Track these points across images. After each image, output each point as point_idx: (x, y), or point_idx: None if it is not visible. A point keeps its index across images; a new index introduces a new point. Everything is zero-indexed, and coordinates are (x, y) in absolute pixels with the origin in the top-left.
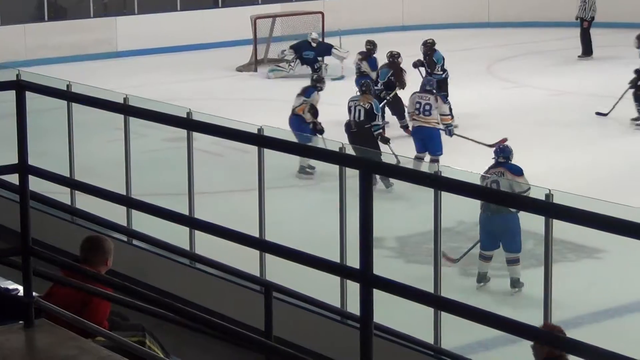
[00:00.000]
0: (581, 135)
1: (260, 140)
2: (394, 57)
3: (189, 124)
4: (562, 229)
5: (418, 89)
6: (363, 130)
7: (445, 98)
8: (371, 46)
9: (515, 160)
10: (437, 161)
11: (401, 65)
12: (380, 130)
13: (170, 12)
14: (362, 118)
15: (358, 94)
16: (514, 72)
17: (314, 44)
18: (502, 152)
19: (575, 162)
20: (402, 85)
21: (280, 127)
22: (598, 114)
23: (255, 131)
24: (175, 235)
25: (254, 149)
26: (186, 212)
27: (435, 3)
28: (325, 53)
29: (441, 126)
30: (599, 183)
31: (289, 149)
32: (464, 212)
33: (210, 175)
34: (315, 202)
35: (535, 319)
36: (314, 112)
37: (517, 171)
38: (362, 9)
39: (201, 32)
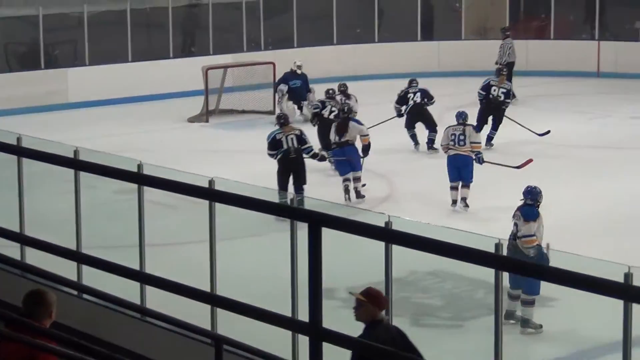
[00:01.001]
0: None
1: (210, 194)
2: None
3: (140, 179)
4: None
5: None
6: (300, 156)
7: (477, 128)
8: (345, 87)
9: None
10: (468, 187)
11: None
12: (315, 151)
13: (122, 63)
14: (297, 145)
15: (277, 127)
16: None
17: (298, 72)
18: (529, 194)
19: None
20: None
21: (231, 178)
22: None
23: (207, 182)
24: (126, 288)
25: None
26: (137, 265)
27: (386, 53)
28: (307, 87)
29: (472, 155)
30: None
31: (239, 203)
32: (415, 261)
33: (163, 227)
34: (271, 253)
35: None
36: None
37: (527, 216)
38: (314, 59)
39: (153, 83)
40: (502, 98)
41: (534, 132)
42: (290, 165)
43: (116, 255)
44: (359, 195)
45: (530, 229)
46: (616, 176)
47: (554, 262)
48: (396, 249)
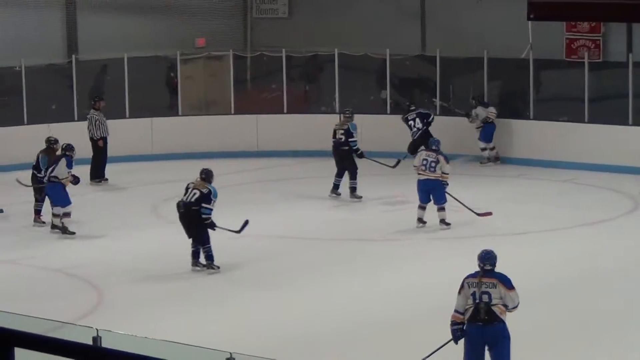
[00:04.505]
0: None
1: None
2: (50, 143)
3: None
4: None
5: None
6: (191, 212)
7: (447, 158)
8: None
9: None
10: (443, 209)
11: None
12: (210, 216)
13: None
14: (193, 200)
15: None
16: None
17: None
18: (489, 259)
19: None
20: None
21: None
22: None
23: None
24: None
25: None
26: None
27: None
28: None
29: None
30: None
31: None
32: None
33: None
34: None
35: None
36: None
37: (510, 284)
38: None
39: None
40: (344, 139)
41: (385, 165)
42: (181, 219)
43: None
44: (65, 230)
45: (517, 296)
46: (372, 272)
47: None
48: None
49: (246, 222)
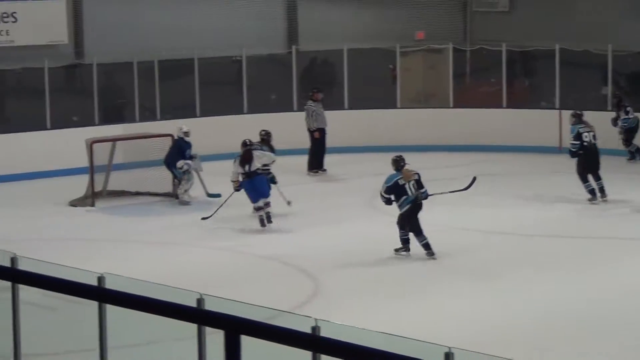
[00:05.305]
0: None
1: (100, 293)
2: (262, 135)
3: (14, 275)
4: None
5: None
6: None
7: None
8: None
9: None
10: None
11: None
12: (427, 193)
13: None
14: (417, 189)
15: (396, 172)
16: None
17: (187, 139)
18: None
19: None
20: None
21: (124, 274)
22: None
23: (95, 280)
24: None
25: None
26: None
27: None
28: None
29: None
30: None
31: (135, 305)
32: None
33: (43, 334)
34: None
35: None
36: None
37: None
38: (219, 130)
39: (26, 159)
40: (595, 141)
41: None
42: (416, 211)
43: None
44: (269, 220)
45: None
46: (590, 272)
47: None
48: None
49: (474, 179)
